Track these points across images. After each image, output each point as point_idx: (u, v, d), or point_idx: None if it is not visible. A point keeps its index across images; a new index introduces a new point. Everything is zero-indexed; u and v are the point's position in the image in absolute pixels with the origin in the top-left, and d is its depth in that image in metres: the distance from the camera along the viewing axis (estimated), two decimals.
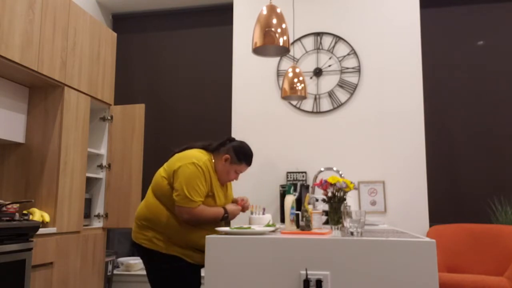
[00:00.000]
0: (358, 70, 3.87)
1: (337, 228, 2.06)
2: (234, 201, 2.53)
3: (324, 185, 2.11)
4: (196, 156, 2.31)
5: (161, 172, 2.37)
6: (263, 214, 2.43)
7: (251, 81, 4.04)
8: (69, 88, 3.23)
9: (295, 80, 3.20)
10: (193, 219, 2.22)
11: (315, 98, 3.91)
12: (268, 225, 2.12)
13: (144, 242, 2.28)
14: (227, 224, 2.44)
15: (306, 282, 1.66)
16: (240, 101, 4.03)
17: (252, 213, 2.44)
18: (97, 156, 3.71)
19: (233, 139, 2.47)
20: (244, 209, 2.48)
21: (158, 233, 2.28)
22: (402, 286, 1.61)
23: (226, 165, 2.36)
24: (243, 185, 3.89)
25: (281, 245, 1.72)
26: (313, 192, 2.87)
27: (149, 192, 2.38)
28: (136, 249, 2.37)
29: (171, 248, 2.27)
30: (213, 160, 2.38)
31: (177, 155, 2.39)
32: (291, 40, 4.02)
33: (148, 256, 2.29)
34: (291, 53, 4.01)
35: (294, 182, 3.75)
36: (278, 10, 2.13)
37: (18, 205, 2.69)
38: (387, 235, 1.81)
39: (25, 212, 2.80)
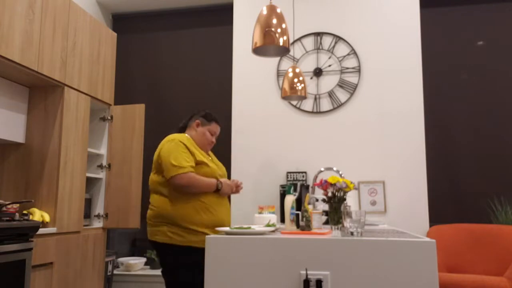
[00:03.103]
0: (358, 70, 3.87)
1: (337, 228, 2.07)
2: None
3: (324, 185, 2.11)
4: (170, 137, 2.52)
5: (151, 173, 2.55)
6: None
7: (251, 81, 4.04)
8: (69, 88, 3.23)
9: (295, 80, 3.20)
10: (188, 185, 2.34)
11: (315, 98, 3.91)
12: (268, 225, 2.12)
13: (158, 238, 2.39)
14: (221, 206, 2.49)
15: (306, 282, 1.66)
16: (240, 101, 4.03)
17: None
18: (97, 156, 3.71)
19: (198, 112, 2.70)
20: (237, 190, 2.60)
21: (170, 225, 2.37)
22: (402, 286, 1.61)
23: (199, 129, 2.60)
24: (243, 185, 3.89)
25: (281, 245, 1.72)
26: (313, 192, 2.87)
27: (150, 194, 2.53)
28: (153, 248, 2.48)
29: (186, 238, 2.36)
30: (188, 136, 2.58)
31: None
32: (291, 40, 4.03)
33: (163, 250, 2.38)
34: (291, 53, 4.01)
35: (294, 182, 3.75)
36: (278, 10, 2.13)
37: (18, 205, 2.69)
38: (387, 235, 1.81)
39: (25, 212, 2.80)
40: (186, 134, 2.61)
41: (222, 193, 2.47)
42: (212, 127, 2.62)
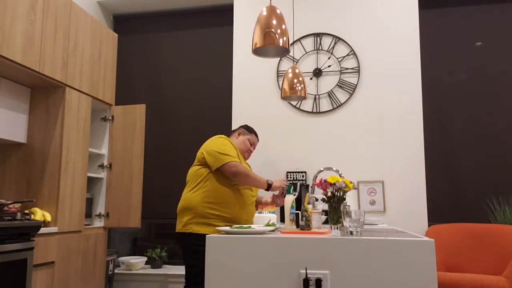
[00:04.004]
0: (357, 70, 3.89)
1: (337, 228, 2.08)
2: (272, 197, 2.86)
3: (324, 184, 2.13)
4: (217, 136, 2.74)
5: (195, 165, 2.70)
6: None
7: (251, 81, 4.05)
8: (71, 89, 3.24)
9: (295, 80, 3.22)
10: (240, 172, 2.50)
11: (315, 99, 3.93)
12: (268, 225, 2.14)
13: (180, 229, 2.54)
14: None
15: (306, 281, 1.68)
16: (240, 101, 4.05)
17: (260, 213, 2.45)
18: (98, 156, 3.73)
19: (238, 128, 2.98)
20: (282, 192, 2.72)
21: (192, 214, 2.50)
22: (401, 285, 1.62)
23: (240, 138, 2.86)
24: None
25: (281, 244, 1.74)
26: (312, 192, 2.88)
27: (186, 188, 2.67)
28: (178, 240, 2.61)
29: (203, 228, 2.48)
30: (232, 137, 2.88)
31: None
32: (291, 41, 4.04)
33: (183, 239, 2.52)
34: (291, 53, 4.02)
35: (294, 182, 3.76)
36: (278, 11, 2.15)
37: (19, 204, 2.71)
38: (386, 235, 1.83)
39: (26, 211, 2.82)
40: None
41: (273, 188, 2.61)
42: (251, 137, 2.89)
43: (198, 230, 2.47)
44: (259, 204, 2.74)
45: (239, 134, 2.88)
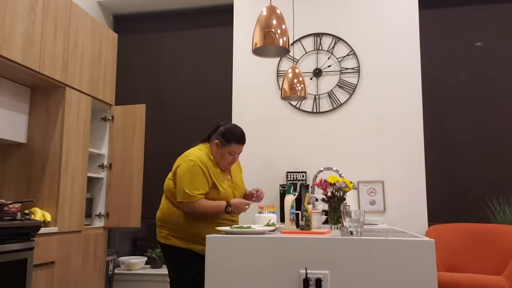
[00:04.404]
0: (357, 70, 3.89)
1: (337, 228, 2.08)
2: (250, 194, 2.65)
3: (324, 184, 2.13)
4: (193, 153, 2.47)
5: (169, 175, 2.56)
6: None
7: (251, 81, 4.05)
8: (70, 89, 3.24)
9: (295, 80, 3.22)
10: (196, 213, 2.39)
11: (315, 98, 3.93)
12: (268, 225, 2.13)
13: (161, 239, 2.53)
14: (232, 222, 2.54)
15: (306, 281, 1.68)
16: (240, 101, 4.05)
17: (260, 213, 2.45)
18: (98, 156, 3.73)
19: (223, 124, 2.58)
20: (258, 199, 2.62)
21: (170, 230, 2.49)
22: (402, 285, 1.62)
23: (218, 149, 2.49)
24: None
25: (281, 244, 1.74)
26: (312, 192, 2.88)
27: (163, 195, 2.60)
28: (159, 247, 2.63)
29: (180, 242, 2.47)
30: (208, 154, 2.52)
31: (178, 158, 2.56)
32: (291, 41, 4.04)
33: (164, 249, 2.53)
34: (291, 53, 4.02)
35: (294, 182, 3.76)
36: (278, 11, 2.15)
37: (19, 204, 2.71)
38: (386, 235, 1.83)
39: (26, 211, 2.82)
40: (209, 150, 2.53)
41: (233, 209, 2.44)
42: (232, 148, 2.47)
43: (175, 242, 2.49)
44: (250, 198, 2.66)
45: (216, 145, 2.48)
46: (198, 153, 2.47)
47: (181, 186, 2.37)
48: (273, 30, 2.08)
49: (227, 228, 1.91)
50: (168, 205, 2.51)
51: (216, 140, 2.49)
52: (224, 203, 2.42)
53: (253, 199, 2.63)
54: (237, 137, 2.49)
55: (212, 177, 2.44)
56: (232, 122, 4.02)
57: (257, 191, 2.64)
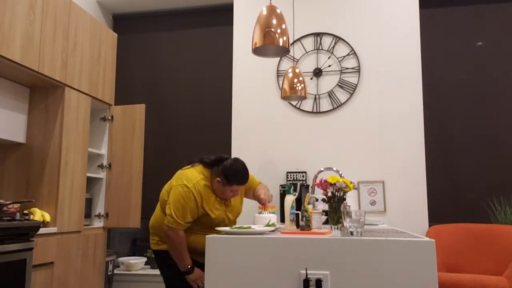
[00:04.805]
0: (357, 70, 3.88)
1: (337, 228, 2.07)
2: (257, 198, 2.57)
3: (324, 185, 2.12)
4: (189, 177, 2.40)
5: (166, 187, 2.56)
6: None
7: (251, 81, 4.05)
8: (70, 88, 3.24)
9: (295, 80, 3.21)
10: (169, 238, 2.36)
11: (315, 98, 3.92)
12: (268, 225, 2.13)
13: (153, 246, 2.58)
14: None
15: (306, 281, 1.67)
16: (240, 101, 4.04)
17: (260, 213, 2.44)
18: (98, 156, 3.72)
19: (226, 158, 2.46)
20: (266, 202, 2.52)
21: (160, 237, 2.54)
22: (402, 286, 1.62)
23: (219, 186, 2.41)
24: None
25: (281, 245, 1.73)
26: (313, 192, 2.87)
27: (158, 204, 2.61)
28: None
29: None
30: (208, 184, 2.43)
31: (177, 173, 2.53)
32: (291, 41, 4.03)
33: (157, 255, 2.57)
34: (291, 53, 4.02)
35: (294, 182, 3.75)
36: (278, 11, 2.14)
37: (19, 205, 2.70)
38: (387, 235, 1.82)
39: (26, 212, 2.81)
40: (208, 176, 2.46)
41: (189, 279, 2.39)
42: (233, 188, 2.40)
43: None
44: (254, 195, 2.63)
45: (218, 182, 2.40)
46: (196, 178, 2.40)
47: (170, 210, 2.34)
48: (273, 29, 2.08)
49: (227, 228, 1.90)
50: (161, 214, 2.53)
51: (218, 178, 2.40)
52: (189, 262, 2.37)
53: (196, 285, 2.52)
54: (239, 179, 2.39)
55: (204, 207, 2.38)
56: (232, 122, 4.02)
57: (264, 200, 2.54)
